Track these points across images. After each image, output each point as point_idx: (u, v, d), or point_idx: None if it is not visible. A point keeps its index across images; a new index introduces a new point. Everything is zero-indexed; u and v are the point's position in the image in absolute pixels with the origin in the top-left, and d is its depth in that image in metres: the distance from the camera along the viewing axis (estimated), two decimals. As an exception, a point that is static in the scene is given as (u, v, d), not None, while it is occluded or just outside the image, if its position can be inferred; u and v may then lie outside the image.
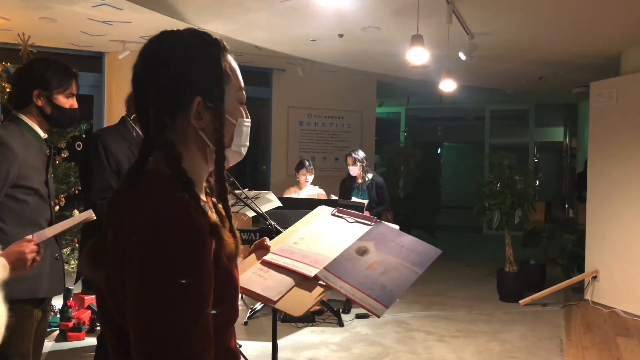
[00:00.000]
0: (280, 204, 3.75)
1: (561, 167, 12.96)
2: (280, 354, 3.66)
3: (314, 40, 5.81)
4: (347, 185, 5.80)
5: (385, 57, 6.48)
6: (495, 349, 4.34)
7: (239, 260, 1.10)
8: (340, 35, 5.55)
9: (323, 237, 1.77)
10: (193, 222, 0.89)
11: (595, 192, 5.81)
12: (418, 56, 4.27)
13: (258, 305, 5.05)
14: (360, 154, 5.66)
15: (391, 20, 4.95)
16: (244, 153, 1.08)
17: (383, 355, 4.15)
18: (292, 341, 4.42)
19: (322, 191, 5.56)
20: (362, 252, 1.68)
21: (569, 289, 6.03)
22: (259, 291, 1.56)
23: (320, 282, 1.56)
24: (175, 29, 1.03)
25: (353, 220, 1.82)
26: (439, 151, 17.01)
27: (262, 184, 8.19)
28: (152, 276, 0.85)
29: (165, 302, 0.85)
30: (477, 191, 6.22)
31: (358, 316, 5.12)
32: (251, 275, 1.61)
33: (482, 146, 11.64)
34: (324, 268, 1.59)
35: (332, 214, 1.88)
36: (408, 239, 1.72)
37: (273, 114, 8.21)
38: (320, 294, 1.55)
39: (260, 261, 1.65)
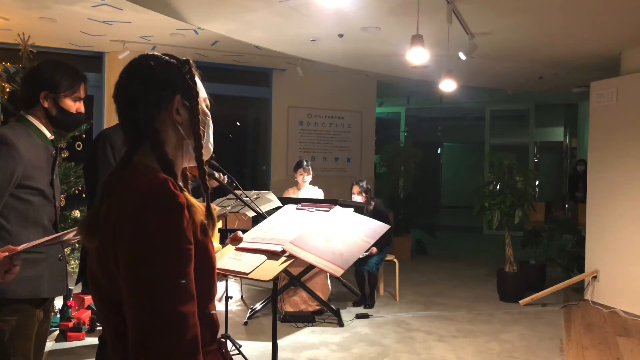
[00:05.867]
0: (280, 204, 3.74)
1: (561, 167, 12.98)
2: (280, 354, 3.66)
3: (314, 40, 5.81)
4: None
5: (385, 57, 6.48)
6: (495, 349, 4.34)
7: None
8: (340, 35, 5.55)
9: (289, 224, 2.07)
10: (173, 195, 1.07)
11: (595, 192, 5.81)
12: (418, 56, 4.26)
13: (258, 305, 5.05)
14: (365, 184, 5.64)
15: (391, 20, 4.95)
16: (212, 149, 1.29)
17: (383, 355, 4.15)
18: (292, 341, 4.42)
19: (321, 191, 5.55)
20: (322, 229, 1.99)
21: (569, 289, 6.03)
22: (234, 268, 1.84)
23: (287, 254, 1.85)
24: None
25: (314, 209, 2.15)
26: (439, 151, 17.01)
27: (262, 184, 8.18)
28: (141, 241, 1.02)
29: (153, 262, 1.01)
30: (477, 191, 6.22)
31: (358, 316, 5.12)
32: (227, 259, 1.89)
33: (482, 146, 11.64)
34: (290, 242, 1.89)
35: (297, 209, 2.21)
36: (360, 217, 2.11)
37: (273, 114, 8.20)
38: (286, 262, 1.83)
39: (234, 249, 1.93)
